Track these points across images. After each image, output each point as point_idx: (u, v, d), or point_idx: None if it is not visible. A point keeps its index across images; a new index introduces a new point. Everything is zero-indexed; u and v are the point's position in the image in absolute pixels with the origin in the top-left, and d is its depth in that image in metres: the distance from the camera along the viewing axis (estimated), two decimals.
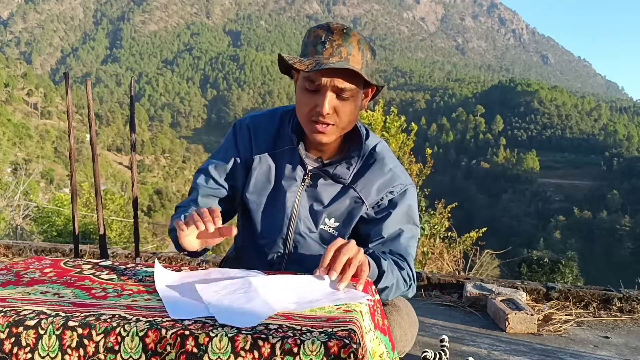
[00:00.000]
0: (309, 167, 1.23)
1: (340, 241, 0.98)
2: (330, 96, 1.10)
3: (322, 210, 1.22)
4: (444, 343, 2.06)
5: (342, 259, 0.94)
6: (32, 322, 0.74)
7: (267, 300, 0.85)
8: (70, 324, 0.74)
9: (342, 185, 1.22)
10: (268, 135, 1.26)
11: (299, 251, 1.23)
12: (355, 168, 1.22)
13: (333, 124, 1.13)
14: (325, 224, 1.22)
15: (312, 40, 1.11)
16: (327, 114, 1.10)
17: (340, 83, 1.08)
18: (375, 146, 1.26)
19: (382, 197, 1.22)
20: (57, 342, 0.73)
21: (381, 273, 1.07)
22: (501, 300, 2.64)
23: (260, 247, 1.26)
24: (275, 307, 0.82)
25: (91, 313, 0.77)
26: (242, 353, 0.69)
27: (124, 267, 1.06)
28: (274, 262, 1.24)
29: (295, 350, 0.69)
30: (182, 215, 1.09)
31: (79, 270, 1.03)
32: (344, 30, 1.10)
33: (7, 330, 0.74)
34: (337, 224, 1.22)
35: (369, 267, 1.00)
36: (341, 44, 1.09)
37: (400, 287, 1.15)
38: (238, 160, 1.28)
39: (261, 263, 1.25)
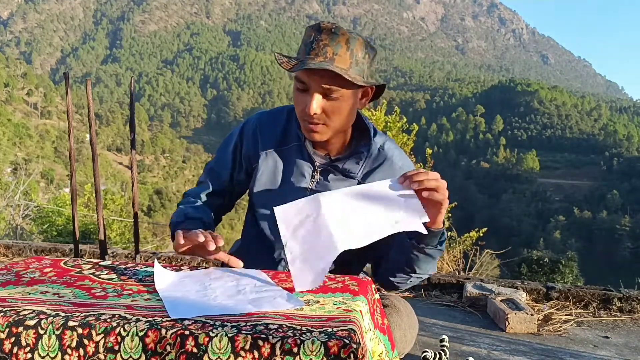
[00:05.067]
0: (318, 163, 1.22)
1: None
2: (316, 97, 1.09)
3: None
4: (443, 343, 2.06)
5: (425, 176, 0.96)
6: (32, 322, 0.74)
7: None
8: (70, 323, 0.74)
9: (351, 182, 1.22)
10: (274, 132, 1.26)
11: None
12: (365, 164, 1.22)
13: (324, 124, 1.13)
14: None
15: (304, 40, 1.12)
16: (315, 114, 1.10)
17: (326, 83, 1.08)
18: (383, 145, 1.25)
19: None
20: (57, 342, 0.73)
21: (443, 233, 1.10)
22: (501, 300, 2.64)
23: (267, 245, 1.25)
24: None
25: (91, 313, 0.77)
26: (242, 353, 0.69)
27: (124, 266, 1.06)
28: (281, 258, 1.23)
29: (295, 350, 0.69)
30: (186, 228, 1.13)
31: (79, 270, 1.03)
32: (332, 30, 1.08)
33: (7, 330, 0.74)
34: None
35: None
36: (327, 44, 1.07)
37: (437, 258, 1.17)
38: (241, 157, 1.28)
39: (268, 260, 1.24)
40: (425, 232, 0.98)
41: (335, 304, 0.84)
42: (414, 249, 1.10)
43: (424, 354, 1.94)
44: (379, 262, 1.23)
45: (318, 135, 1.15)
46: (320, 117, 1.12)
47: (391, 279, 1.18)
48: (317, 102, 1.10)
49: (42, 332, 0.73)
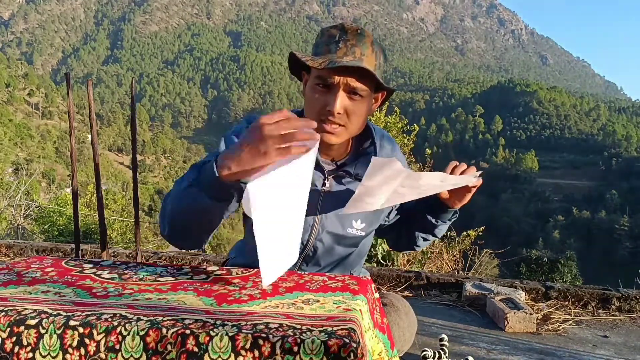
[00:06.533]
0: (327, 169, 1.20)
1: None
2: (341, 95, 1.07)
3: (349, 214, 1.18)
4: (443, 342, 2.07)
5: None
6: (33, 322, 0.74)
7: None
8: (72, 323, 0.74)
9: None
10: None
11: (317, 254, 1.21)
12: None
13: (343, 125, 1.10)
14: (353, 227, 1.20)
15: (326, 40, 1.09)
16: (338, 113, 1.08)
17: (353, 82, 1.06)
18: (382, 137, 1.28)
19: None
20: (58, 342, 0.73)
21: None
22: (500, 300, 2.64)
23: None
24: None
25: (92, 312, 0.77)
26: (243, 352, 0.69)
27: (125, 266, 1.06)
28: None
29: (296, 349, 0.69)
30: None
31: (80, 269, 1.03)
32: (358, 31, 1.09)
33: (8, 329, 0.74)
34: (363, 224, 1.21)
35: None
36: (355, 44, 1.07)
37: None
38: None
39: None
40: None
41: (335, 303, 0.85)
42: (435, 223, 1.30)
43: (424, 353, 1.94)
44: (399, 237, 1.41)
45: (334, 137, 1.11)
46: (342, 117, 1.09)
47: (415, 246, 1.39)
48: (341, 101, 1.07)
49: (43, 331, 0.73)
